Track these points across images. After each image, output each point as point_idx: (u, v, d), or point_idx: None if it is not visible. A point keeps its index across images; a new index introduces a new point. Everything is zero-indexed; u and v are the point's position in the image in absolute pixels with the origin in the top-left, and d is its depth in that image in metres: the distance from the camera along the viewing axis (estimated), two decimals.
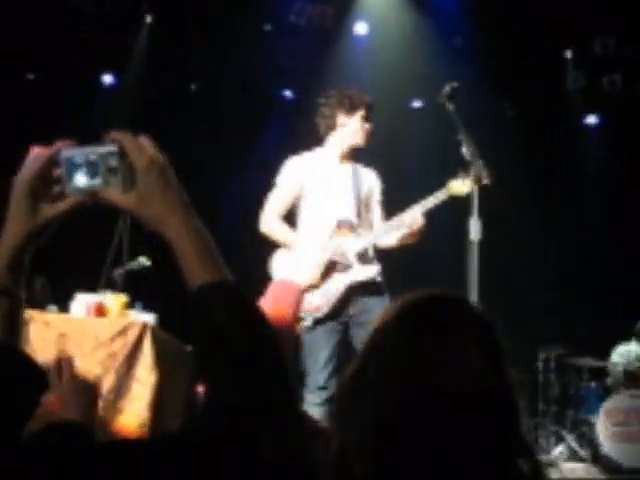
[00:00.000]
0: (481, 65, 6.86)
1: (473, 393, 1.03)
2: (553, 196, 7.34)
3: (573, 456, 6.01)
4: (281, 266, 3.52)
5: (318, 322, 3.50)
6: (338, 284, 3.58)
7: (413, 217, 3.52)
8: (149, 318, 3.49)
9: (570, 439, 6.06)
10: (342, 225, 3.72)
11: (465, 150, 2.85)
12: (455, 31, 7.04)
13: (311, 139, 7.24)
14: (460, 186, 3.29)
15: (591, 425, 5.95)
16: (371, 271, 3.64)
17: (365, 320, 3.50)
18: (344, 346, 3.56)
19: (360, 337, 3.49)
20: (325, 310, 3.53)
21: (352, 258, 3.63)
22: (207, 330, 1.01)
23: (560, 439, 6.11)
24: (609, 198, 7.57)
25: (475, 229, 2.71)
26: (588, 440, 6.00)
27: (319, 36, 7.28)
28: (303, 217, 3.77)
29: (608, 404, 5.89)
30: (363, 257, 3.66)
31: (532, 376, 6.46)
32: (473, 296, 2.66)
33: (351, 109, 3.77)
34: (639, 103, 7.51)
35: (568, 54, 7.40)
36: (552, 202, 7.17)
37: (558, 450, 6.03)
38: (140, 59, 7.30)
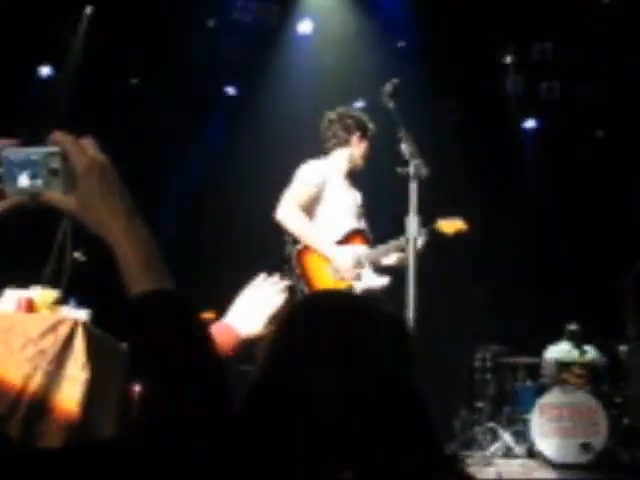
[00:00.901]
0: (424, 67, 6.93)
1: (380, 396, 1.03)
2: (492, 197, 7.47)
3: (509, 453, 6.12)
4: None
5: None
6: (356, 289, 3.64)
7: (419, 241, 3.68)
8: (82, 314, 3.39)
9: (506, 436, 6.17)
10: (358, 234, 3.82)
11: (404, 148, 2.86)
12: (399, 32, 7.11)
13: (254, 135, 7.26)
14: (447, 226, 3.71)
15: (526, 422, 6.07)
16: (384, 280, 3.71)
17: None
18: None
19: None
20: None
21: (368, 266, 3.72)
22: (146, 340, 0.99)
23: (496, 436, 6.21)
24: (547, 200, 7.76)
25: (413, 226, 2.72)
26: (523, 437, 6.12)
27: (263, 33, 7.26)
28: (318, 220, 3.80)
29: (542, 401, 6.01)
30: (375, 267, 3.78)
31: (469, 374, 6.57)
32: (410, 294, 2.67)
33: (364, 136, 3.95)
34: (576, 108, 7.73)
35: (508, 59, 7.55)
36: (491, 203, 7.29)
37: (494, 447, 6.13)
38: (79, 51, 7.12)
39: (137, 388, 3.68)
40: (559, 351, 6.82)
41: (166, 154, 7.19)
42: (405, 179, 2.79)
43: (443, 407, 6.57)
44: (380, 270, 3.82)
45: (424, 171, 2.78)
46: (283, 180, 7.22)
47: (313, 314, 1.11)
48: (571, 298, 7.26)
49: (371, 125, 3.99)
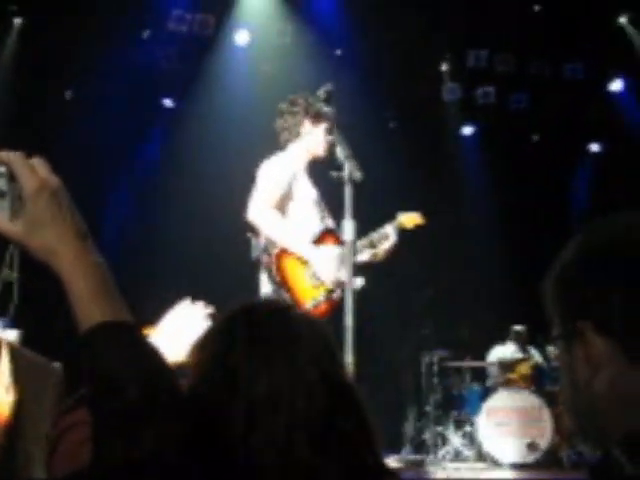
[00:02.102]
0: (361, 75, 6.98)
1: (303, 406, 1.02)
2: (432, 201, 7.54)
3: (458, 456, 6.16)
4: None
5: None
6: (338, 290, 3.47)
7: (391, 234, 3.65)
8: (10, 335, 3.26)
9: (455, 439, 6.21)
10: (330, 234, 3.60)
11: (339, 151, 2.84)
12: (336, 41, 7.14)
13: (191, 146, 7.18)
14: (407, 220, 3.74)
15: (473, 425, 6.13)
16: (359, 281, 3.49)
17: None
18: None
19: None
20: (328, 316, 3.43)
21: (342, 266, 3.48)
22: (98, 377, 0.94)
23: (445, 440, 6.25)
24: (486, 204, 7.88)
25: (349, 229, 2.71)
26: (471, 439, 6.18)
27: (199, 44, 7.19)
28: (290, 219, 3.56)
29: (488, 404, 6.08)
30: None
31: (416, 380, 6.60)
32: (349, 299, 2.64)
33: (317, 119, 3.65)
34: (511, 114, 7.89)
35: (444, 66, 7.66)
36: (431, 207, 7.35)
37: (444, 450, 6.16)
38: (9, 63, 6.92)
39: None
40: (504, 353, 6.92)
41: (103, 169, 7.04)
42: (339, 183, 2.77)
43: (392, 413, 6.59)
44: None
45: (358, 174, 2.77)
46: (221, 192, 7.18)
47: (253, 319, 1.10)
48: (516, 300, 7.38)
49: (323, 106, 3.59)
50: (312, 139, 3.67)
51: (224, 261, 7.13)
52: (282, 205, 3.53)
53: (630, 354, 0.81)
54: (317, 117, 3.63)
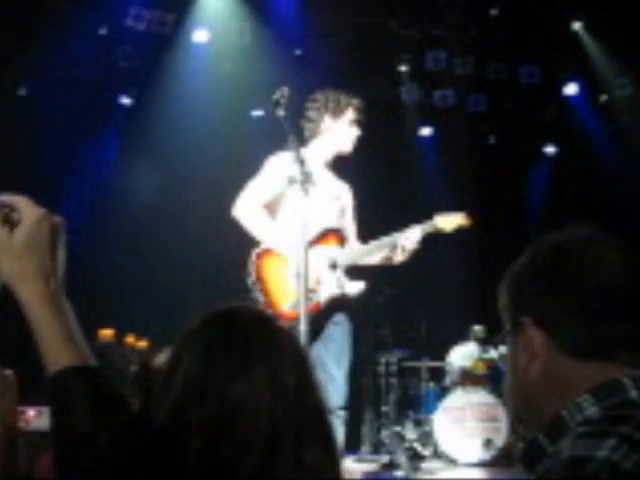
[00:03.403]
0: (321, 75, 6.97)
1: (274, 413, 1.02)
2: (388, 203, 7.59)
3: (415, 455, 6.20)
4: None
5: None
6: (321, 294, 3.40)
7: (414, 235, 3.47)
8: None
9: (412, 438, 6.25)
10: (330, 233, 3.52)
11: (293, 156, 2.84)
12: (295, 41, 7.12)
13: (149, 144, 7.10)
14: (445, 222, 3.52)
15: (431, 424, 6.18)
16: (357, 286, 3.48)
17: (334, 333, 3.41)
18: None
19: (330, 351, 3.39)
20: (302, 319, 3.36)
21: (339, 270, 3.45)
22: (65, 425, 0.94)
23: (403, 439, 6.29)
24: (443, 205, 7.93)
25: (300, 232, 2.70)
26: (428, 438, 6.22)
27: (158, 42, 7.10)
28: (281, 217, 3.45)
29: (445, 403, 6.14)
30: (349, 270, 3.52)
31: (375, 380, 6.63)
32: (301, 304, 2.64)
33: (337, 112, 3.56)
34: (469, 116, 7.98)
35: (403, 67, 7.71)
36: (388, 209, 7.40)
37: (401, 450, 6.20)
38: None
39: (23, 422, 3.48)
40: (462, 353, 7.00)
41: (57, 168, 6.92)
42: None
43: (350, 413, 6.60)
44: (350, 271, 3.57)
45: (314, 178, 2.76)
46: (179, 190, 7.12)
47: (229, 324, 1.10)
48: (474, 300, 7.47)
49: (350, 99, 3.59)
50: (334, 135, 3.59)
51: (184, 260, 7.08)
52: (277, 204, 3.44)
53: (559, 346, 0.96)
54: (337, 111, 3.56)
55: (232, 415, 1.00)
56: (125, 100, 7.48)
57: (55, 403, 0.95)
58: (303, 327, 2.56)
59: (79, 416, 0.93)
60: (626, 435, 0.82)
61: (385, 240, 3.50)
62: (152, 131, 7.12)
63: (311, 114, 3.62)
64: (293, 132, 2.88)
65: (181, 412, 1.01)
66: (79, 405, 0.94)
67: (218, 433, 0.99)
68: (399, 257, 3.51)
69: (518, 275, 1.05)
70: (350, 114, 3.59)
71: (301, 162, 2.76)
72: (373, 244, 3.54)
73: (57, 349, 0.96)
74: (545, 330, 0.97)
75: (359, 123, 3.65)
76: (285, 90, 2.88)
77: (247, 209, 3.41)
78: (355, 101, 3.63)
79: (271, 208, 3.46)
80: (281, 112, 2.87)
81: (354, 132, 3.62)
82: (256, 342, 1.07)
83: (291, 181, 2.78)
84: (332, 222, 3.56)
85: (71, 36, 6.73)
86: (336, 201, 3.63)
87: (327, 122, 3.58)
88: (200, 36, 7.10)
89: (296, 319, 3.10)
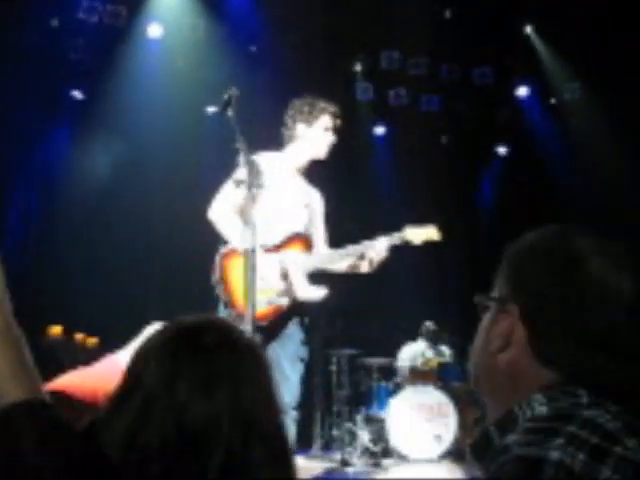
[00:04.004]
0: (275, 72, 6.96)
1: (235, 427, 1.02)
2: (342, 202, 7.61)
3: (366, 452, 6.26)
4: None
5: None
6: (284, 298, 3.41)
7: (381, 248, 3.45)
8: None
9: (363, 436, 6.31)
10: (296, 238, 3.52)
11: (242, 158, 2.83)
12: (249, 37, 7.09)
13: (101, 139, 6.98)
14: (414, 234, 3.53)
15: (382, 421, 6.24)
16: (319, 292, 3.46)
17: (291, 335, 3.44)
18: None
19: (286, 352, 3.41)
20: (265, 322, 3.34)
21: (302, 275, 3.45)
22: (11, 459, 0.93)
23: (354, 437, 6.34)
24: (395, 203, 8.01)
25: (249, 236, 2.70)
26: (380, 436, 6.29)
27: (111, 35, 6.99)
28: (255, 221, 3.38)
29: (395, 400, 6.22)
30: (312, 276, 3.52)
31: (326, 377, 6.66)
32: (250, 307, 2.64)
33: (310, 119, 3.57)
34: (422, 116, 8.06)
35: (357, 66, 7.75)
36: (341, 205, 7.43)
37: (352, 447, 6.25)
38: None
39: None
40: (414, 351, 7.07)
41: (5, 164, 6.76)
42: None
43: (301, 411, 6.61)
44: (318, 277, 3.57)
45: (261, 181, 2.76)
46: (132, 186, 7.02)
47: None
48: (428, 299, 7.56)
49: (325, 105, 3.59)
50: (307, 141, 3.60)
51: (140, 255, 6.99)
52: (248, 206, 3.29)
53: (535, 350, 0.96)
54: (311, 118, 3.57)
55: (190, 441, 0.99)
56: (77, 94, 7.34)
57: (1, 438, 0.94)
58: (250, 327, 2.56)
59: (25, 450, 0.92)
60: (572, 434, 0.84)
61: (351, 249, 3.52)
62: (104, 125, 7.01)
63: (286, 120, 3.65)
64: (242, 133, 2.86)
65: (137, 438, 0.99)
66: (25, 439, 0.93)
67: (175, 460, 0.98)
68: (365, 268, 3.54)
69: (529, 260, 1.01)
70: (324, 121, 3.60)
71: (249, 164, 2.75)
72: (339, 252, 3.56)
73: (5, 384, 0.95)
74: (527, 328, 0.96)
75: (335, 130, 3.65)
76: (234, 90, 2.87)
77: (218, 211, 3.47)
78: (331, 108, 3.64)
79: (246, 210, 3.46)
80: (230, 112, 2.86)
81: (328, 138, 3.63)
82: (220, 365, 1.05)
83: (238, 183, 2.77)
84: (299, 227, 3.58)
85: (21, 27, 6.58)
86: (305, 207, 3.66)
87: (301, 128, 3.60)
88: (153, 31, 7.02)
89: (259, 319, 3.15)
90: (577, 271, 0.95)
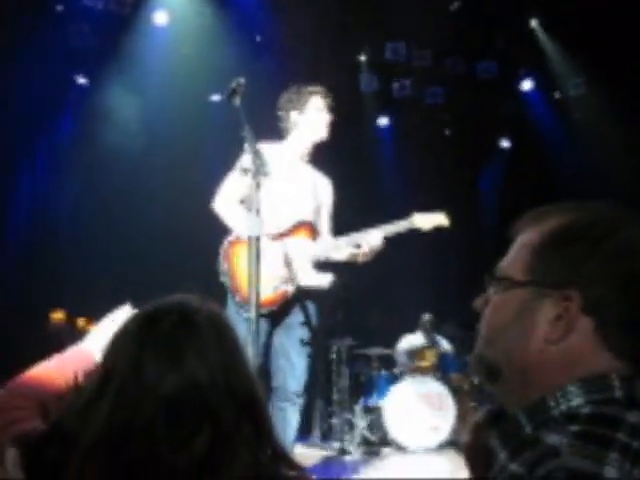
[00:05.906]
0: (280, 62, 6.95)
1: (202, 400, 1.05)
2: (347, 193, 7.61)
3: (365, 441, 6.30)
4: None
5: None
6: (289, 285, 3.44)
7: (375, 238, 3.46)
8: None
9: (362, 425, 6.34)
10: (302, 226, 3.55)
11: (248, 147, 2.84)
12: (255, 26, 7.08)
13: (106, 127, 6.98)
14: (423, 221, 3.52)
15: (380, 411, 6.27)
16: (325, 279, 3.49)
17: (297, 322, 3.46)
18: (266, 348, 3.41)
19: (292, 339, 3.45)
20: (273, 308, 3.38)
21: (307, 262, 3.49)
22: None
23: (352, 426, 6.37)
24: (399, 195, 8.02)
25: (253, 224, 2.71)
26: (378, 425, 6.32)
27: (116, 22, 6.97)
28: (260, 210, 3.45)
29: (394, 390, 6.25)
30: (318, 263, 3.55)
31: (326, 367, 6.68)
32: (252, 294, 2.66)
33: (300, 105, 3.61)
34: (426, 108, 8.05)
35: (362, 57, 7.73)
36: (345, 195, 7.43)
37: (351, 436, 6.29)
38: None
39: None
40: (412, 341, 7.11)
41: (10, 149, 6.77)
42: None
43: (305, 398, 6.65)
44: (322, 266, 3.60)
45: (267, 169, 2.77)
46: (136, 173, 7.03)
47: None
48: (428, 290, 7.57)
49: (311, 88, 3.63)
50: (303, 127, 3.63)
51: (143, 243, 7.01)
52: (252, 195, 3.36)
53: (604, 338, 0.92)
54: (301, 104, 3.61)
55: (174, 415, 1.02)
56: (81, 79, 7.33)
57: None
58: (254, 314, 2.59)
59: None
60: (624, 445, 0.82)
61: (353, 237, 3.54)
62: (108, 112, 7.01)
63: (280, 113, 3.68)
64: (248, 122, 2.87)
65: (119, 421, 1.03)
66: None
67: (156, 436, 1.01)
68: (360, 258, 3.56)
69: (582, 246, 0.95)
70: (315, 102, 3.63)
71: (255, 153, 2.77)
72: (342, 240, 3.58)
73: None
74: (593, 316, 0.92)
75: (328, 108, 3.68)
76: (241, 80, 2.88)
77: (223, 200, 3.51)
78: (317, 88, 3.67)
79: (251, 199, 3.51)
80: (237, 102, 2.87)
81: (324, 118, 3.65)
82: (181, 339, 1.09)
83: (245, 171, 2.79)
84: (306, 215, 3.61)
85: (26, 13, 6.57)
86: (313, 195, 3.68)
87: (294, 116, 3.64)
88: (159, 18, 7.01)
89: (265, 305, 3.20)
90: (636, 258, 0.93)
